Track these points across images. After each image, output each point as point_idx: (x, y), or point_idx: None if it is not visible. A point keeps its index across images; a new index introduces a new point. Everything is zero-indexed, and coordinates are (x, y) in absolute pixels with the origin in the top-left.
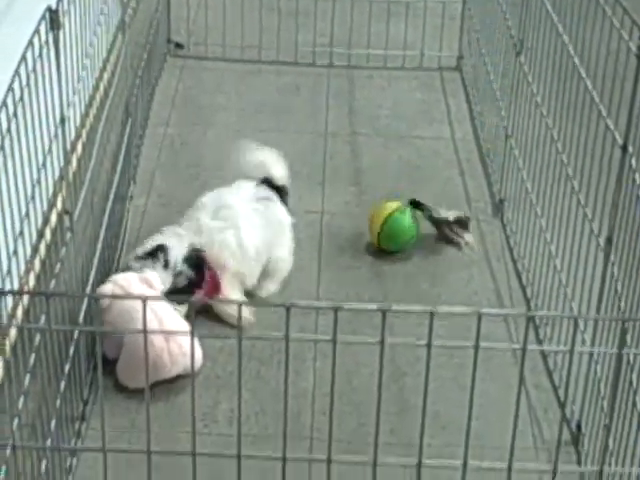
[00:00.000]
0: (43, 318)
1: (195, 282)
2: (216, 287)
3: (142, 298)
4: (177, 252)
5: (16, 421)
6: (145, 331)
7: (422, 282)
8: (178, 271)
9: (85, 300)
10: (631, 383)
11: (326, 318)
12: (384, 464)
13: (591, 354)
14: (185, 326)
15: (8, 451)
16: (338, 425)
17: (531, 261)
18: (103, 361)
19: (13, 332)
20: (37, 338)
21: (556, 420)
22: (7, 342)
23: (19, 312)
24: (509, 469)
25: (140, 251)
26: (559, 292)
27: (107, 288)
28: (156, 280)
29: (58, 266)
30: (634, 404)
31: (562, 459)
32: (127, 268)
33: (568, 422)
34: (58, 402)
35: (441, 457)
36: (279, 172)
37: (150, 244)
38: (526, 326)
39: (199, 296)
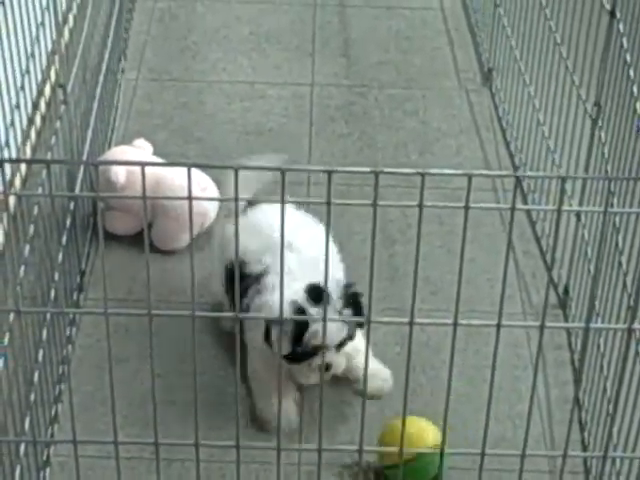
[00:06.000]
0: (40, 189)
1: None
2: None
3: (141, 164)
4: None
5: (18, 288)
6: (144, 197)
7: (412, 152)
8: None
9: (81, 171)
10: (617, 244)
11: (319, 189)
12: (378, 322)
13: (578, 217)
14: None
15: (12, 316)
16: None
17: (519, 129)
18: (106, 235)
19: (12, 202)
20: (35, 209)
21: (544, 285)
22: (6, 212)
23: (17, 182)
24: (498, 326)
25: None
26: (547, 159)
27: (119, 170)
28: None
29: (53, 139)
30: (620, 264)
31: (549, 320)
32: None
33: (555, 286)
34: (57, 275)
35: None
36: None
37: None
38: (514, 185)
39: None
